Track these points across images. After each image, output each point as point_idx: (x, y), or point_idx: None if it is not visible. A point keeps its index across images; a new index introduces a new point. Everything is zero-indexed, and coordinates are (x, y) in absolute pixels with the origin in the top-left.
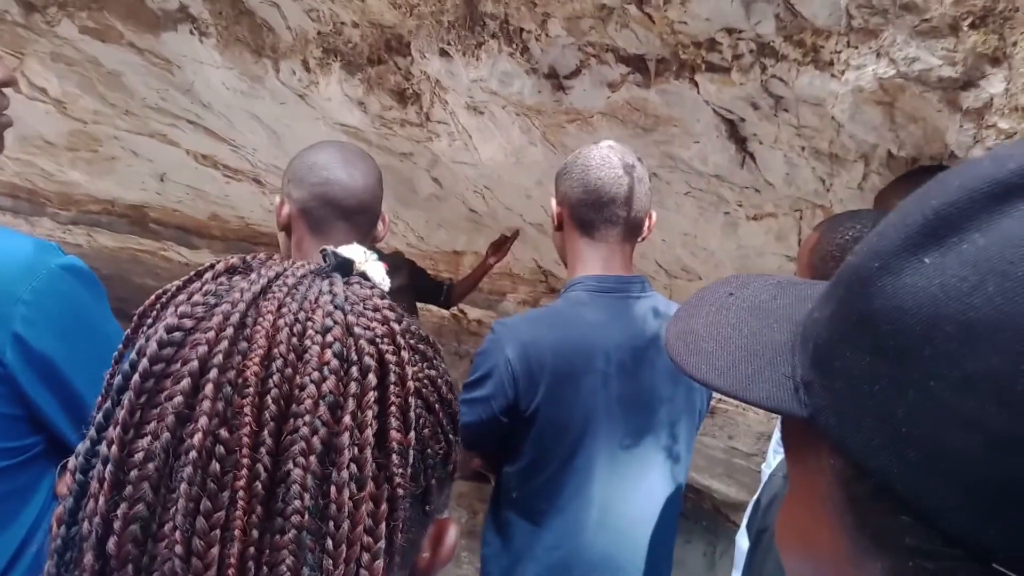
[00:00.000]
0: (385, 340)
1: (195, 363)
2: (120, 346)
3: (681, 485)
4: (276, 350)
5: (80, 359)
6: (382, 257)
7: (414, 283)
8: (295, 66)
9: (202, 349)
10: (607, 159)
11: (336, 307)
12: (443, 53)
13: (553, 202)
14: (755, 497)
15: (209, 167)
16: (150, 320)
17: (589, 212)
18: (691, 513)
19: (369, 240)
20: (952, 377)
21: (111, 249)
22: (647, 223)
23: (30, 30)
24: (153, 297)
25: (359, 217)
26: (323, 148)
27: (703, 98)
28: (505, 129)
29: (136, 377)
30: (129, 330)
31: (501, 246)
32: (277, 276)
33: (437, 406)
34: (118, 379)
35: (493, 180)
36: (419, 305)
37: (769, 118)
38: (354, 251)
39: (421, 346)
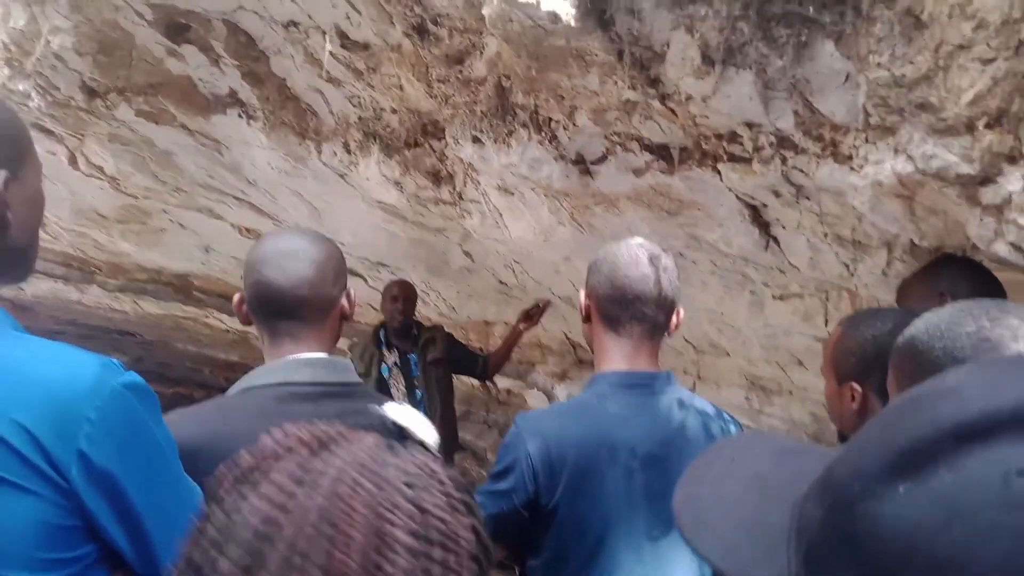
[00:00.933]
0: (444, 509)
1: (284, 551)
2: (199, 505)
3: None
4: (355, 531)
5: (136, 472)
6: (421, 328)
7: (451, 356)
8: (336, 148)
9: (289, 532)
10: (636, 257)
11: (404, 484)
12: (476, 140)
13: (582, 294)
14: None
15: (252, 239)
16: (228, 495)
17: (615, 308)
18: None
19: (336, 322)
20: None
21: (155, 316)
22: (674, 319)
23: (91, 114)
24: (226, 470)
25: (302, 311)
26: (260, 243)
27: (726, 185)
28: (534, 209)
29: (231, 566)
30: (207, 502)
31: (532, 314)
32: (350, 457)
33: (480, 555)
34: (202, 555)
35: (523, 255)
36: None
37: (791, 205)
38: (404, 414)
39: (466, 498)
